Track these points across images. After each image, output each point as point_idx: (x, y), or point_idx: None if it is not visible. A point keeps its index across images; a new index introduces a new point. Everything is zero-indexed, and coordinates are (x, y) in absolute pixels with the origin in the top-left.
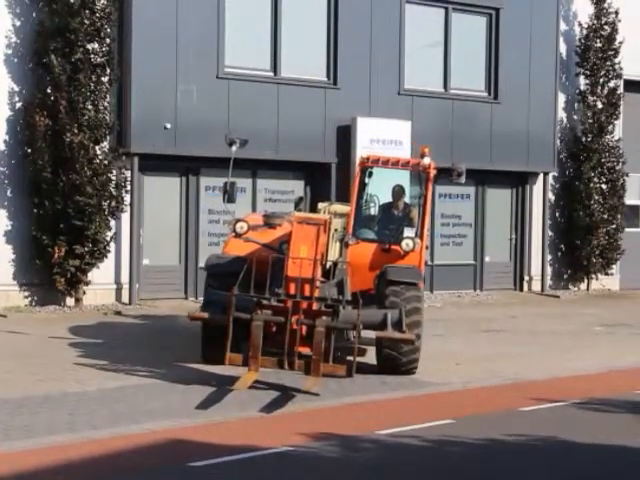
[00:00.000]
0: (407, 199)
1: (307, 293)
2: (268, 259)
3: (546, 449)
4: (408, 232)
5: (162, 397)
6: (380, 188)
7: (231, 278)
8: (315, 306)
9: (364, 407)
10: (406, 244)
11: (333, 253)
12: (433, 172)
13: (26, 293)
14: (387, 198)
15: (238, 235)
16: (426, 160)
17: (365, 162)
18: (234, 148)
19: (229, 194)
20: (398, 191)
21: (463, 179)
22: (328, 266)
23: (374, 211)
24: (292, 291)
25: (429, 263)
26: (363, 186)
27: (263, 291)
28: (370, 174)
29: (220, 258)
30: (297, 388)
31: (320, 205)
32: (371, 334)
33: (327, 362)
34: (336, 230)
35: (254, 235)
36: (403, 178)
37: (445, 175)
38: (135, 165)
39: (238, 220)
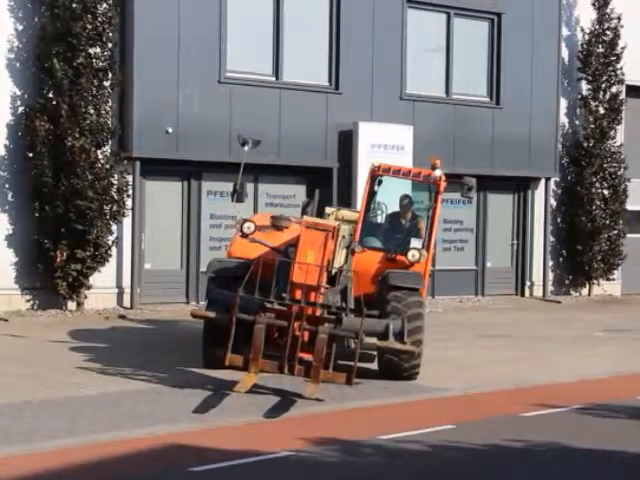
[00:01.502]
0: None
1: (311, 299)
2: (273, 262)
3: (547, 455)
4: (415, 243)
5: (163, 401)
6: (383, 195)
7: (233, 283)
8: (318, 312)
9: (365, 412)
10: (412, 255)
11: (339, 259)
12: (444, 185)
13: (28, 297)
14: (390, 205)
15: (245, 235)
16: (437, 172)
17: (376, 171)
18: (246, 148)
19: (239, 194)
20: (406, 202)
21: (473, 193)
22: (333, 273)
23: (381, 219)
24: (297, 296)
25: (431, 268)
26: (372, 194)
27: (267, 294)
28: (380, 182)
29: (222, 263)
30: (298, 393)
31: (328, 210)
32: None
33: (327, 369)
34: (343, 237)
35: (261, 236)
36: (406, 185)
37: (451, 183)
38: (137, 169)
39: (245, 220)
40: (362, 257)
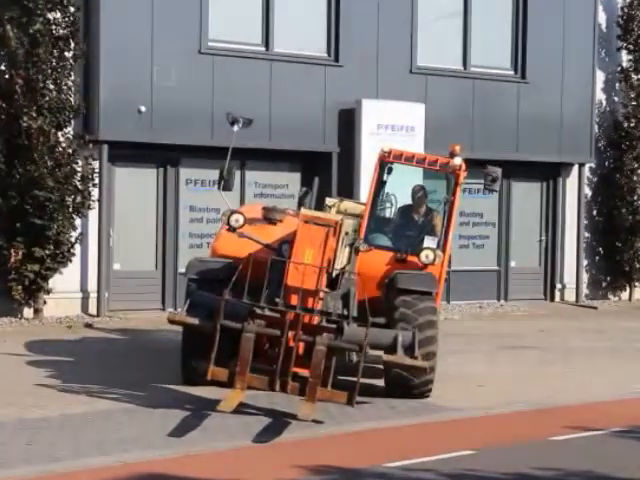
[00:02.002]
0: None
1: (309, 305)
2: (265, 261)
3: None
4: (429, 242)
5: (135, 424)
6: (392, 185)
7: (217, 287)
8: (316, 320)
9: (370, 436)
10: (425, 256)
11: (341, 260)
12: (464, 175)
13: None
14: (400, 196)
15: (232, 229)
16: (457, 160)
17: (386, 157)
18: (236, 128)
19: (226, 181)
20: (420, 194)
21: (497, 186)
22: (334, 275)
23: (390, 213)
24: (291, 302)
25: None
26: (381, 184)
27: (257, 298)
28: (390, 170)
29: (204, 263)
30: (293, 413)
31: (328, 201)
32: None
33: (325, 386)
34: (347, 233)
35: (251, 230)
36: (417, 173)
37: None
38: (104, 154)
39: (233, 211)
40: (368, 257)
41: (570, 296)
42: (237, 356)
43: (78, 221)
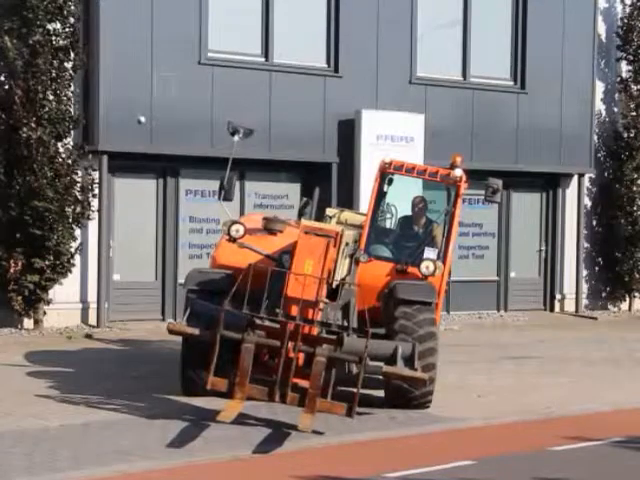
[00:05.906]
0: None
1: (309, 316)
2: (265, 271)
3: None
4: (429, 253)
5: (136, 434)
6: (392, 196)
7: (216, 297)
8: (315, 331)
9: (370, 446)
10: (426, 267)
11: (341, 270)
12: (465, 186)
13: None
14: (400, 207)
15: (232, 239)
16: (458, 172)
17: (387, 168)
18: (236, 138)
19: (226, 191)
20: (421, 206)
21: (499, 197)
22: (334, 285)
23: (390, 224)
24: (292, 312)
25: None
26: (381, 195)
27: (257, 308)
28: (391, 181)
29: (204, 274)
30: (294, 424)
31: (329, 211)
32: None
33: (325, 397)
34: (347, 244)
35: (251, 241)
36: (417, 183)
37: (470, 179)
38: (104, 165)
39: (234, 222)
40: (368, 268)
41: (570, 306)
42: (237, 366)
43: (78, 232)
